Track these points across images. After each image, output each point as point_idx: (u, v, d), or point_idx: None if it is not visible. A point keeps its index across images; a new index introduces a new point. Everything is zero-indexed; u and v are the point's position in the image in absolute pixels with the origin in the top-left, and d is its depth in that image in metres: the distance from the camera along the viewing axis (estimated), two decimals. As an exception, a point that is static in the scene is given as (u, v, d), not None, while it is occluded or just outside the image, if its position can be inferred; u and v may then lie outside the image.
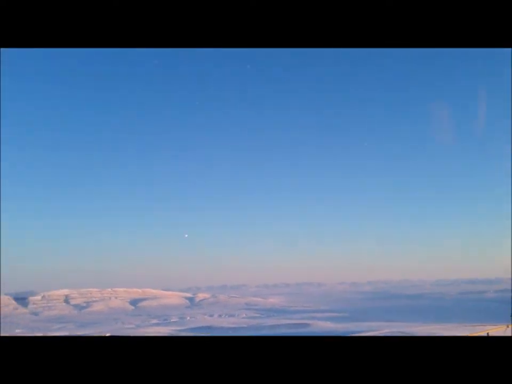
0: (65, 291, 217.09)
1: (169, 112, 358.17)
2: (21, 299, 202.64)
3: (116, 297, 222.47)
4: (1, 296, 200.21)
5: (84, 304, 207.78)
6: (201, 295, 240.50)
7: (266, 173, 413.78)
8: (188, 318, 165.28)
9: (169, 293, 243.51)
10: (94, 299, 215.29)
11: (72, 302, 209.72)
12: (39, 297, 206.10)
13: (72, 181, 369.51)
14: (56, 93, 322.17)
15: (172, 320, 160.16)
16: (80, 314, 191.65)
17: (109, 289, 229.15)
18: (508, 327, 20.04)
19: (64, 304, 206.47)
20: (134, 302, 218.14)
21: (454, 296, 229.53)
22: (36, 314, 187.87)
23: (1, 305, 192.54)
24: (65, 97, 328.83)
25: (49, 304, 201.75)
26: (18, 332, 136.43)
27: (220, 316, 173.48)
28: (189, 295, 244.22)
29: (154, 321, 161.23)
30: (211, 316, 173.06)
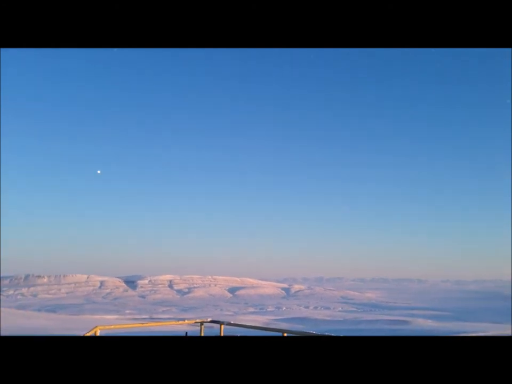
0: (169, 276, 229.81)
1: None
2: (130, 282, 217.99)
3: (216, 285, 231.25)
4: (113, 279, 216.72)
5: (186, 290, 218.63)
6: (297, 287, 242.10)
7: (356, 171, 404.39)
8: (284, 308, 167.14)
9: (266, 282, 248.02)
10: (196, 285, 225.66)
11: (176, 287, 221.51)
12: (146, 281, 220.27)
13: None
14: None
15: (268, 310, 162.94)
16: (183, 299, 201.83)
17: (209, 277, 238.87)
18: None
19: (168, 288, 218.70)
20: (232, 290, 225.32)
21: None
22: (143, 297, 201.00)
23: (111, 287, 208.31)
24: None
25: (154, 288, 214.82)
26: (128, 313, 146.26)
27: (315, 307, 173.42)
28: (285, 285, 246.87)
29: (251, 309, 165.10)
30: (306, 307, 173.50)
